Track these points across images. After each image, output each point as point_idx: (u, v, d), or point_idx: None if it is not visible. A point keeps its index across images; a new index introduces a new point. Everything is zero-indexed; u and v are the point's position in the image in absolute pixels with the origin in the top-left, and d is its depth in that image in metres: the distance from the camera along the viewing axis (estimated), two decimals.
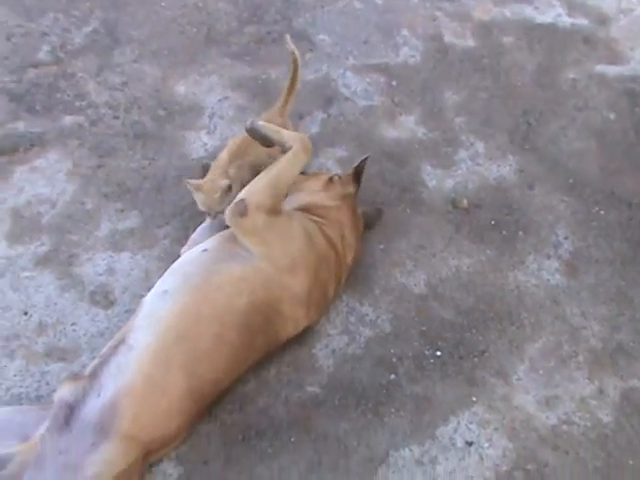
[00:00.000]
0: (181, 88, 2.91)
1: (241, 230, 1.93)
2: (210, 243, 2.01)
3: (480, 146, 2.82)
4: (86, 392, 1.68)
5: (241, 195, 1.96)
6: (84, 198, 2.45)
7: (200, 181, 2.16)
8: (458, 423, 1.98)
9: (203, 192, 2.12)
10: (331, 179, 2.33)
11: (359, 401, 2.00)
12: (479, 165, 2.74)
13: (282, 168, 2.00)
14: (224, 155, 2.26)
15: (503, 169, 2.74)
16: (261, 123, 2.02)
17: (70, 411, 1.65)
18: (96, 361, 1.77)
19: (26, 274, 2.22)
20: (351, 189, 2.33)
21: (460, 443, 1.94)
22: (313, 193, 2.30)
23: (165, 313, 1.78)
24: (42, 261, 2.26)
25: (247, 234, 1.93)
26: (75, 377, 1.76)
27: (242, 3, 3.32)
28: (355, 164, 2.34)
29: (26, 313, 2.13)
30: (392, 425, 1.96)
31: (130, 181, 2.52)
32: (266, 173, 2.00)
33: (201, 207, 2.17)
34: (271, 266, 1.91)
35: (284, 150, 2.02)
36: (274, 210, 1.96)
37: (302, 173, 2.40)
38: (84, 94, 2.82)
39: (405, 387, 2.05)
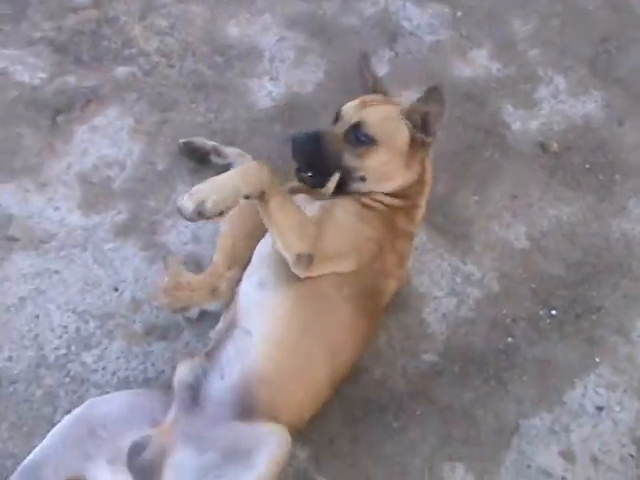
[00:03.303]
0: (234, 30, 2.69)
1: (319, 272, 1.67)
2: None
3: (560, 81, 2.64)
4: (206, 372, 1.60)
5: (294, 251, 1.61)
6: (153, 158, 2.29)
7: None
8: (585, 387, 1.91)
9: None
10: (413, 140, 1.81)
11: (480, 368, 1.92)
12: (562, 103, 2.58)
13: (284, 210, 1.62)
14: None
15: (588, 106, 2.57)
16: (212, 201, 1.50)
17: (194, 392, 1.57)
18: (211, 344, 1.67)
19: (109, 246, 2.08)
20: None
21: (590, 408, 1.88)
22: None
23: (273, 303, 1.64)
24: (123, 231, 2.11)
25: (324, 269, 1.67)
26: (190, 356, 1.68)
27: None
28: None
29: (116, 289, 2.00)
30: (517, 392, 1.89)
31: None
32: (287, 219, 1.63)
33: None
34: (358, 265, 1.71)
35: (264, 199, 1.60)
36: (319, 231, 1.68)
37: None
38: (132, 40, 2.61)
39: (524, 350, 1.96)
